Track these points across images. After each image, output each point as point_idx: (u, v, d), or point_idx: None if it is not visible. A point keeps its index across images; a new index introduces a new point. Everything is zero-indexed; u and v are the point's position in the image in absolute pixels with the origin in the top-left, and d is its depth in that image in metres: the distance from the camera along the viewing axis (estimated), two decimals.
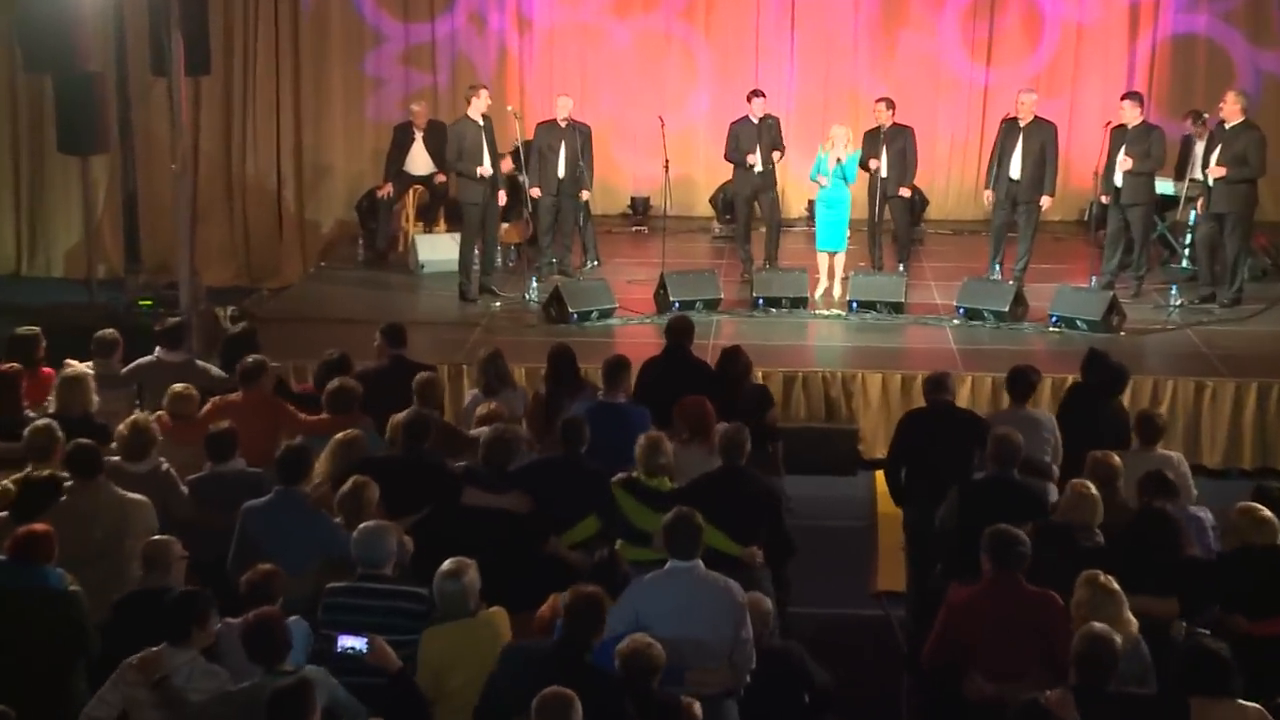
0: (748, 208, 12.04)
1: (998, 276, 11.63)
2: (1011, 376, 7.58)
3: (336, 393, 7.28)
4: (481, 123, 11.24)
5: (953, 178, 14.64)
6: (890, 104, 11.79)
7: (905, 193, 12.02)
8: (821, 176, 11.51)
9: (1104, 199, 11.45)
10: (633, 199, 14.52)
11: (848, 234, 11.70)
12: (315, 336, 9.97)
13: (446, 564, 5.31)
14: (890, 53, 14.50)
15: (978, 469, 6.83)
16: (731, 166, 12.04)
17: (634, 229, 14.28)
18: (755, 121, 11.77)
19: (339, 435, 6.61)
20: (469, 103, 11.35)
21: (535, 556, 6.15)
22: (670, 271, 11.32)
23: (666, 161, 11.78)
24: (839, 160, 11.42)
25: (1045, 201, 11.50)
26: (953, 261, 12.77)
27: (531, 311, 11.15)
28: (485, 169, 11.16)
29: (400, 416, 6.72)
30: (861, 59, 14.53)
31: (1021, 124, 11.40)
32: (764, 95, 11.96)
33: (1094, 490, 6.06)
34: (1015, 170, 11.39)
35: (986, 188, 11.77)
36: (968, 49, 14.46)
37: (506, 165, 11.53)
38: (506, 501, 6.30)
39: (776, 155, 11.80)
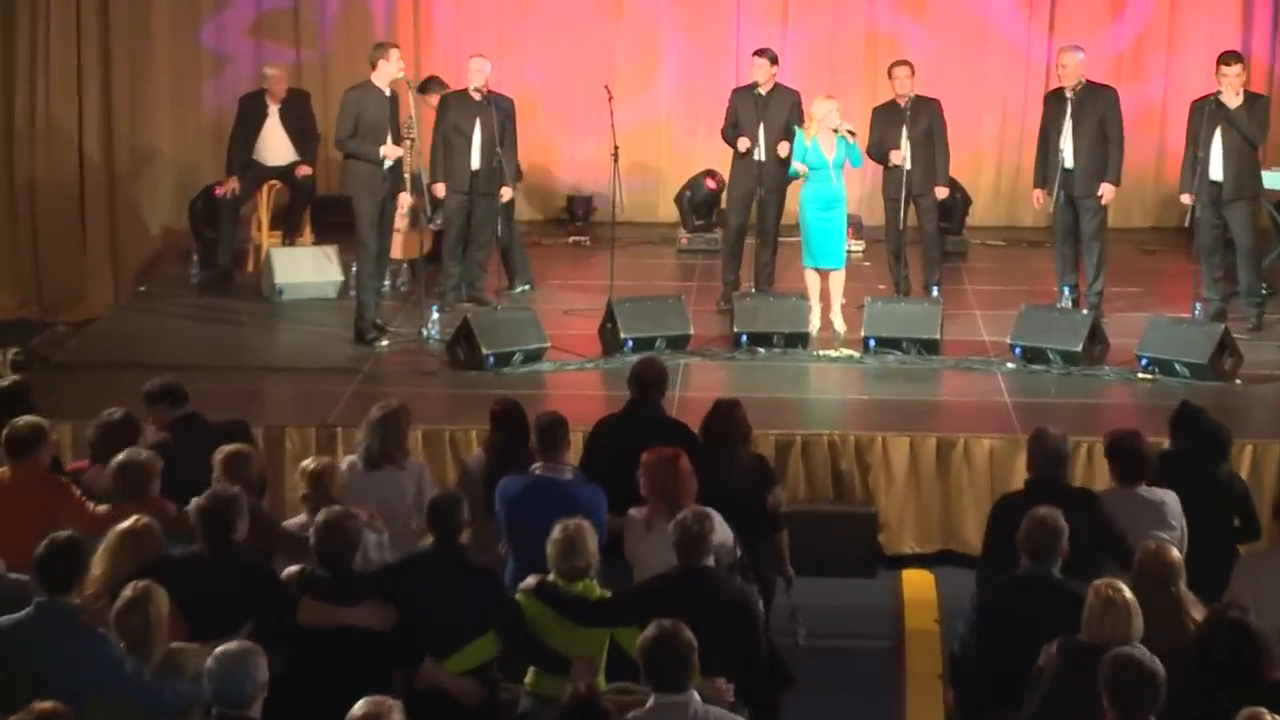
0: (742, 210, 12.03)
1: (1068, 303, 11.69)
2: (1112, 449, 7.57)
3: (122, 470, 7.16)
4: (388, 93, 11.28)
5: (1004, 168, 14.74)
6: (912, 69, 11.87)
7: (942, 193, 12.05)
8: (801, 165, 11.49)
9: (1185, 198, 11.43)
10: (570, 199, 14.56)
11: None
12: (133, 388, 9.81)
13: (360, 706, 5.21)
14: (919, 7, 14.64)
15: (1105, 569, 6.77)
16: (728, 152, 12.04)
17: (572, 239, 14.30)
18: (763, 93, 11.80)
19: (121, 525, 6.51)
20: (374, 66, 11.34)
21: (406, 691, 6.07)
22: (621, 298, 11.32)
23: (615, 148, 11.80)
24: (847, 134, 11.36)
25: (1106, 191, 11.52)
26: (1005, 283, 12.84)
27: (432, 353, 11.11)
28: (390, 149, 11.17)
29: (199, 499, 6.63)
30: (880, 13, 14.67)
31: (1069, 94, 11.47)
32: (771, 58, 11.90)
33: (1126, 595, 5.97)
34: (1068, 157, 11.46)
35: (1035, 186, 11.82)
36: (1025, 9, 14.61)
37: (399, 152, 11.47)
38: (359, 616, 6.27)
39: (784, 146, 11.67)
